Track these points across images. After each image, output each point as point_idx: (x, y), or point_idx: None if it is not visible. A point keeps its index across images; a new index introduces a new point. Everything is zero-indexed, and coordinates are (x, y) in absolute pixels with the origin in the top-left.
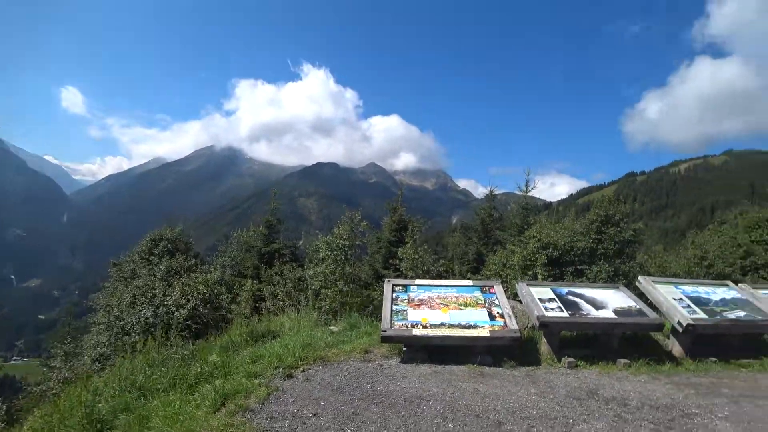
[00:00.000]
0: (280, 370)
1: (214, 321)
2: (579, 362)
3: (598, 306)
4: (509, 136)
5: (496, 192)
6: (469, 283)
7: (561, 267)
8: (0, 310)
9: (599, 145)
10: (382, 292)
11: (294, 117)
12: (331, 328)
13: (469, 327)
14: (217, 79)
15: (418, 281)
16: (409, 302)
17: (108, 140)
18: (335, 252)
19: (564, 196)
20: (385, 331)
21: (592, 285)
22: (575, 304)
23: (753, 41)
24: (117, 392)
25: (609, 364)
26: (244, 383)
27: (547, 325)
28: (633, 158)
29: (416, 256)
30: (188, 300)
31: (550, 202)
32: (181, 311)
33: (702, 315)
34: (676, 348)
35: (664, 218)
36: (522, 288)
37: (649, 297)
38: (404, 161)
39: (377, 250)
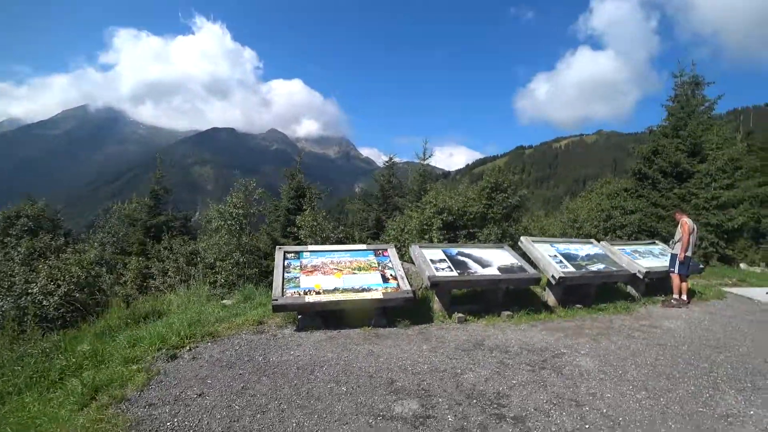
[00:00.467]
0: (163, 351)
1: (94, 306)
2: (468, 317)
3: (484, 264)
4: (412, 106)
5: (398, 160)
6: (363, 247)
7: (455, 230)
8: None
9: (494, 119)
10: None
11: (185, 76)
12: (224, 302)
13: (363, 290)
14: (91, 24)
15: (311, 247)
16: (301, 269)
17: None
18: (229, 222)
19: (461, 166)
20: (276, 300)
21: (479, 245)
22: (464, 263)
23: (624, 39)
24: None
25: (494, 317)
26: (120, 371)
27: (437, 284)
28: (523, 133)
29: (315, 223)
30: (59, 285)
31: (449, 171)
32: (51, 299)
33: (571, 269)
34: (551, 298)
35: (547, 187)
36: (415, 250)
37: (529, 255)
38: (307, 128)
39: (275, 219)
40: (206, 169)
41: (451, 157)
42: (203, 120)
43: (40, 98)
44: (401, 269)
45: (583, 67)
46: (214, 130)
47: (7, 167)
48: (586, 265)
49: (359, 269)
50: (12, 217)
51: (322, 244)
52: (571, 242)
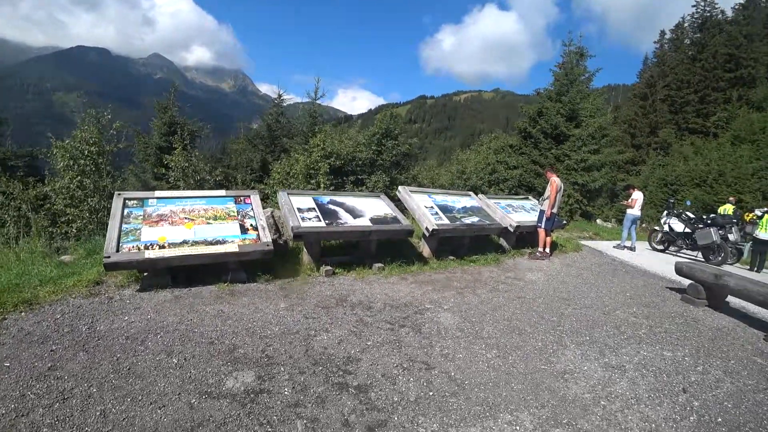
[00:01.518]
0: None
1: None
2: (337, 270)
3: (356, 215)
4: (316, 45)
5: (297, 99)
6: (222, 193)
7: (343, 176)
8: None
9: (399, 67)
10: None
11: None
12: (62, 258)
13: (217, 243)
14: None
15: (158, 193)
16: (144, 219)
17: None
18: (81, 161)
19: (364, 111)
20: (109, 257)
21: (354, 193)
22: (334, 213)
23: (528, 3)
24: None
25: (365, 269)
26: None
27: (301, 236)
28: (426, 83)
29: (187, 164)
30: None
31: (351, 115)
32: None
33: (445, 221)
34: (425, 250)
35: (445, 138)
36: (282, 197)
37: (405, 205)
38: (197, 56)
39: (145, 158)
40: (72, 97)
41: (354, 101)
42: (66, 35)
43: None
44: (263, 218)
45: (488, 24)
46: (81, 49)
47: None
48: (461, 217)
49: (215, 218)
50: None
51: (198, 188)
52: (449, 194)
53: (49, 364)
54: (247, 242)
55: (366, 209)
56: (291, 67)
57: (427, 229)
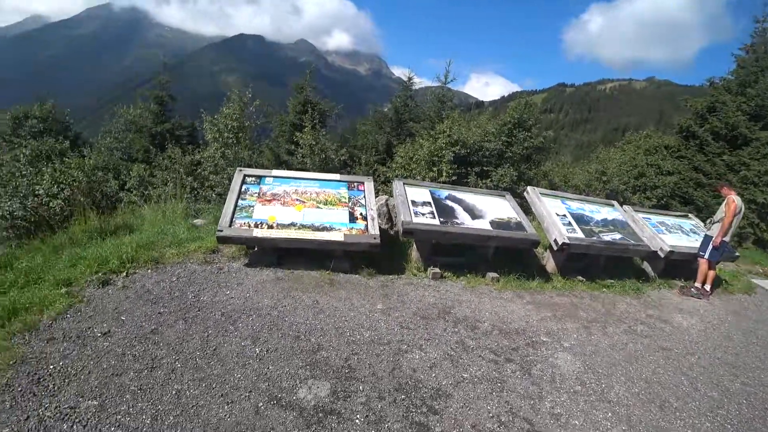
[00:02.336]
0: (99, 275)
1: (97, 211)
2: (446, 273)
3: (476, 215)
4: (452, 29)
5: (428, 84)
6: (336, 177)
7: (467, 166)
8: None
9: (537, 52)
10: None
11: None
12: (195, 221)
13: (323, 229)
14: None
15: (275, 172)
16: (259, 196)
17: None
18: (225, 134)
19: (496, 97)
20: (221, 231)
21: (476, 190)
22: (451, 210)
23: None
24: None
25: (478, 277)
26: (46, 294)
27: (411, 233)
28: (566, 70)
29: (314, 142)
30: (62, 189)
31: (482, 101)
32: (55, 201)
33: (579, 234)
34: (550, 263)
35: (582, 131)
36: (397, 186)
37: (533, 209)
38: (338, 41)
39: (280, 134)
40: (233, 79)
41: (487, 87)
42: (230, 25)
43: None
44: (374, 208)
45: (647, 2)
46: (242, 36)
47: (31, 67)
48: (600, 232)
49: (326, 203)
50: (21, 117)
51: (322, 167)
52: (587, 201)
53: (153, 327)
54: (353, 232)
55: (487, 210)
56: (425, 50)
57: (555, 241)
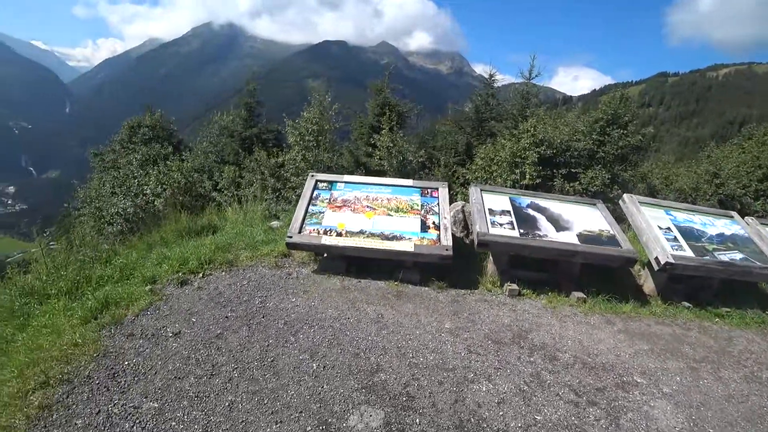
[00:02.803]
0: (179, 275)
1: (191, 209)
2: (525, 290)
3: (561, 226)
4: (535, 19)
5: (512, 80)
6: (409, 182)
7: (553, 168)
8: (26, 201)
9: (634, 39)
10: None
11: None
12: (272, 224)
13: (393, 238)
14: None
15: (347, 177)
16: (330, 202)
17: (96, 20)
18: (307, 138)
19: (586, 91)
20: (291, 237)
21: (564, 198)
22: (533, 220)
23: None
24: (13, 296)
25: (561, 296)
26: (132, 291)
27: (487, 245)
28: (668, 57)
29: (392, 144)
30: (164, 189)
31: (570, 96)
32: (158, 200)
33: (688, 252)
34: (648, 284)
35: (687, 126)
36: (474, 193)
37: (630, 221)
38: (418, 41)
39: (359, 137)
40: (318, 83)
41: (576, 81)
42: (316, 33)
43: (172, 17)
44: (448, 217)
45: None
46: (326, 43)
47: (153, 83)
48: (714, 250)
49: (397, 210)
50: (135, 126)
51: (399, 169)
52: (699, 211)
53: (219, 331)
54: (424, 242)
55: (575, 220)
56: (507, 46)
57: (657, 260)
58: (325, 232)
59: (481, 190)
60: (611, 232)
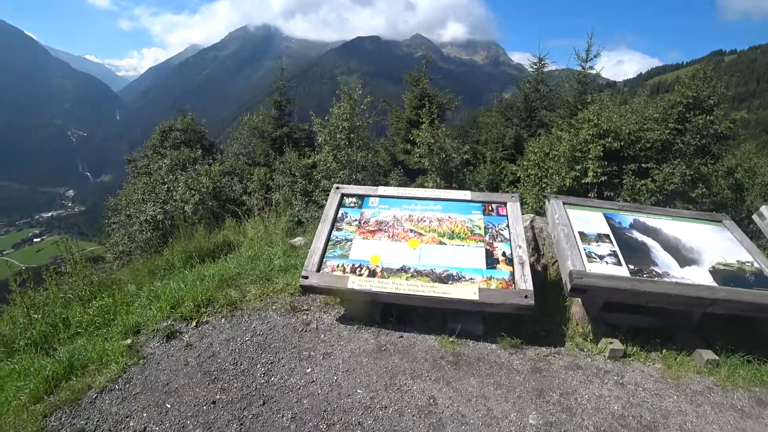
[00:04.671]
0: (168, 323)
1: (223, 214)
2: (630, 346)
3: (683, 257)
4: (572, 1)
5: (552, 68)
6: (466, 195)
7: (620, 163)
8: (84, 203)
9: (684, 17)
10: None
11: None
12: (295, 241)
13: (448, 279)
14: None
15: (382, 189)
16: (360, 226)
17: (139, 31)
18: (339, 136)
19: (632, 76)
20: (306, 278)
21: (678, 213)
22: (644, 249)
23: None
24: None
25: (681, 356)
26: (106, 348)
27: (585, 291)
28: (723, 34)
29: (433, 140)
30: (193, 194)
31: (614, 82)
32: (187, 206)
33: None
34: None
35: (748, 108)
36: (556, 209)
37: None
38: (452, 32)
39: (396, 132)
40: (353, 79)
41: (620, 65)
42: (349, 29)
43: (210, 24)
44: (523, 245)
45: None
46: (359, 39)
47: (194, 86)
48: None
49: (452, 236)
50: (166, 130)
51: (441, 168)
52: None
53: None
54: (492, 284)
55: (700, 248)
56: (545, 31)
57: None
58: (354, 270)
59: (563, 203)
60: (756, 264)
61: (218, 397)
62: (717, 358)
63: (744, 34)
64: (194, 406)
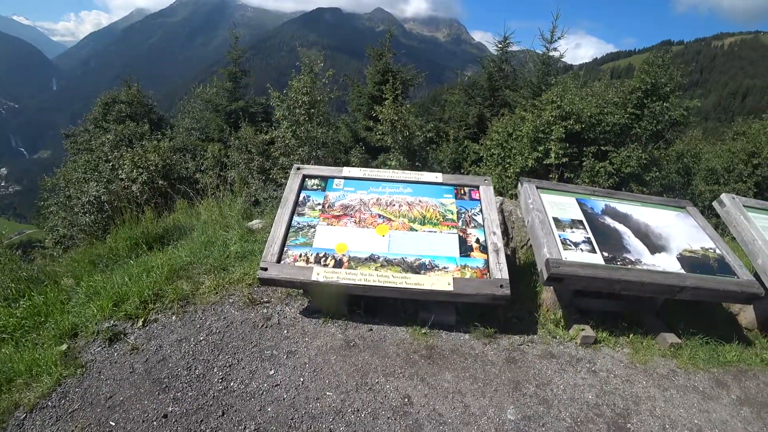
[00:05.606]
0: (111, 323)
1: (174, 195)
2: (599, 332)
3: (653, 244)
4: None
5: (514, 49)
6: (438, 178)
7: (581, 145)
8: (20, 182)
9: (638, 5)
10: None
11: None
12: (251, 224)
13: (420, 268)
14: None
15: (347, 170)
16: (323, 210)
17: None
18: (297, 111)
19: (587, 60)
20: (265, 269)
21: (646, 199)
22: (616, 236)
23: None
24: None
25: (647, 340)
26: (37, 357)
27: (561, 279)
28: (673, 25)
29: (396, 117)
30: (140, 173)
31: (572, 65)
32: (135, 186)
33: None
34: (747, 315)
35: (690, 97)
36: (530, 194)
37: (733, 232)
38: (415, 7)
39: (358, 108)
40: (312, 52)
41: (577, 49)
42: (309, 0)
43: None
44: (498, 231)
45: None
46: (320, 10)
47: (141, 55)
48: None
49: (423, 221)
50: (110, 103)
51: (404, 145)
52: None
53: None
54: (467, 273)
55: (667, 234)
56: (507, 12)
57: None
58: (318, 260)
59: (536, 187)
60: (718, 251)
61: (170, 409)
62: (680, 341)
63: (691, 27)
64: (143, 422)
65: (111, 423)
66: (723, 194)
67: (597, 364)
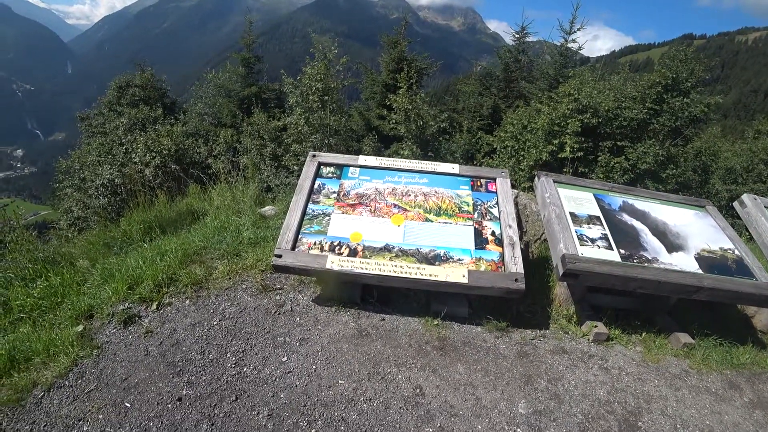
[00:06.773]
0: (126, 305)
1: (186, 179)
2: (612, 330)
3: (671, 243)
4: None
5: (530, 40)
6: (454, 169)
7: (596, 139)
8: (35, 163)
9: None
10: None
11: None
12: (264, 210)
13: (435, 259)
14: None
15: (363, 159)
16: (338, 199)
17: None
18: (311, 98)
19: (605, 53)
20: (280, 256)
21: (665, 197)
22: (633, 233)
23: None
24: None
25: (659, 339)
26: (54, 337)
27: (577, 276)
28: (696, 18)
29: (410, 107)
30: (153, 157)
31: (589, 58)
32: (147, 170)
33: None
34: (762, 318)
35: (710, 92)
36: (547, 188)
37: (753, 233)
38: None
39: (371, 96)
40: (325, 39)
41: (595, 41)
42: None
43: None
44: (514, 224)
45: None
46: None
47: (155, 39)
48: None
49: (439, 213)
50: (123, 86)
51: (419, 135)
52: None
53: (170, 423)
54: (482, 266)
55: (686, 233)
56: (523, 1)
57: None
58: (332, 248)
59: (553, 181)
60: (737, 252)
61: (185, 392)
62: (693, 341)
63: (715, 20)
64: (158, 404)
65: (126, 404)
66: (744, 194)
67: (609, 361)
